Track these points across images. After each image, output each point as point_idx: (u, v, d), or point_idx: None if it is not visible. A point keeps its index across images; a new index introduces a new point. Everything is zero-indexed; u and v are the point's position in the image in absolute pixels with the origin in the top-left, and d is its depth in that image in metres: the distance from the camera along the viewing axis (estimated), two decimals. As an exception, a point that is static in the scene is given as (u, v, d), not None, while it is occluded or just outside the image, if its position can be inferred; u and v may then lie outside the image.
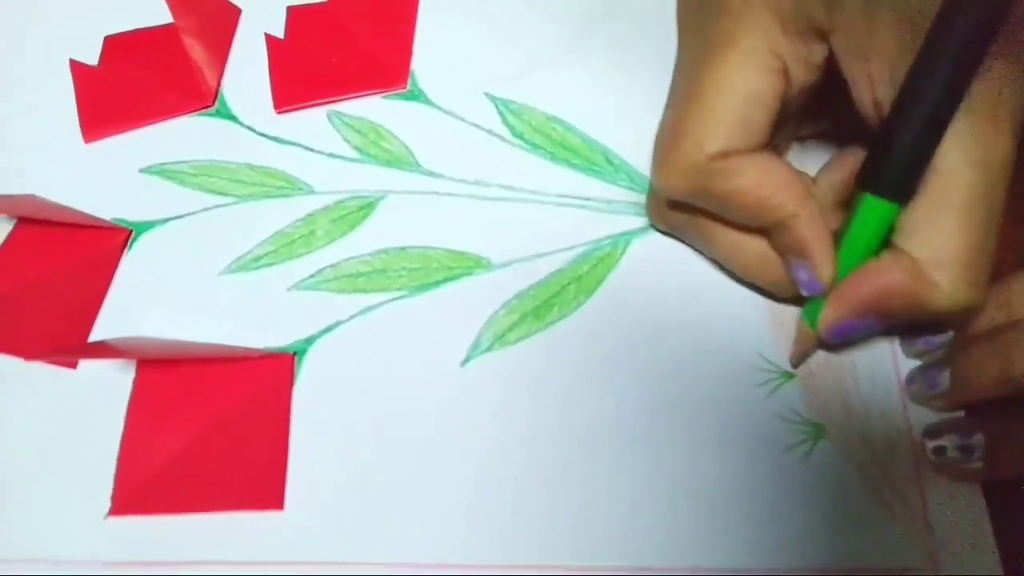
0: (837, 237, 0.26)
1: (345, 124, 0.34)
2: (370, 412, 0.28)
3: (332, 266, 0.31)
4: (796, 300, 0.28)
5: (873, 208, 0.24)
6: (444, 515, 0.26)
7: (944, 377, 0.25)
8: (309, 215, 0.32)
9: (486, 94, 0.35)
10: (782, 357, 0.28)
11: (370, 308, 0.30)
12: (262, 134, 0.35)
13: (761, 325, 0.28)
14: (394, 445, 0.27)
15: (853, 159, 0.27)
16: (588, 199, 0.32)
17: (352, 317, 0.30)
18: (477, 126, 0.34)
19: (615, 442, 0.27)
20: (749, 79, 0.24)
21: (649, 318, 0.29)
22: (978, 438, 0.24)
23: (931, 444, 0.25)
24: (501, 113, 0.34)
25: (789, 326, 0.28)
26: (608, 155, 0.32)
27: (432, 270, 0.31)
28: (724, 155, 0.25)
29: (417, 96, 0.35)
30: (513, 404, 0.28)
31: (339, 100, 0.35)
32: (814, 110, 0.28)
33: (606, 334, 0.29)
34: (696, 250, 0.30)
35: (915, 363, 0.27)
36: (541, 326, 0.29)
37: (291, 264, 0.31)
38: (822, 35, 0.24)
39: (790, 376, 0.27)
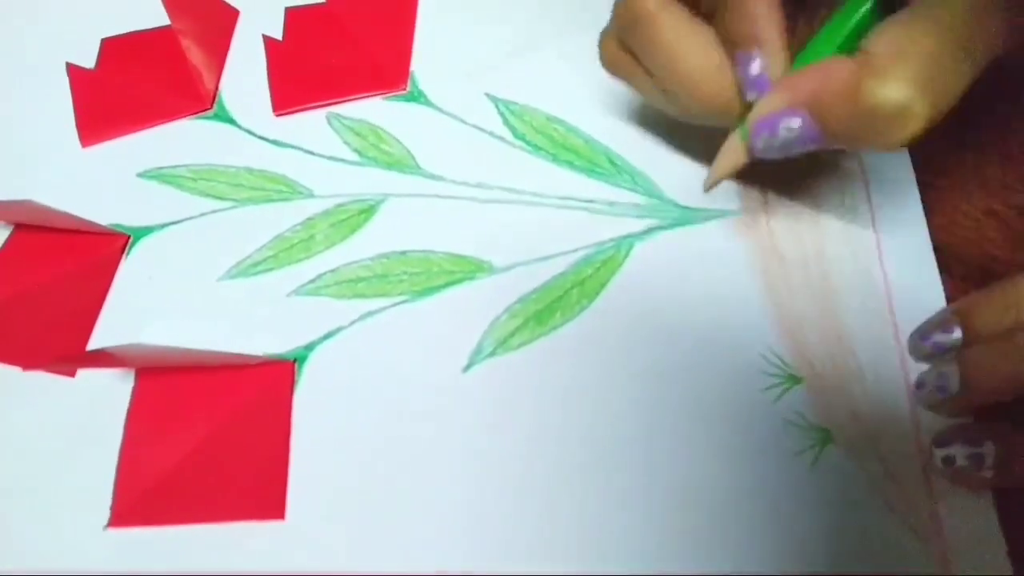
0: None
1: (345, 126, 0.34)
2: (371, 419, 0.28)
3: (332, 271, 0.31)
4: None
5: (853, 7, 0.23)
6: (447, 523, 0.26)
7: (954, 380, 0.25)
8: (309, 219, 0.32)
9: (487, 95, 0.34)
10: (790, 361, 0.27)
11: (371, 313, 0.30)
12: (261, 137, 0.34)
13: (767, 329, 0.28)
14: (396, 453, 0.27)
15: None
16: (591, 201, 0.31)
17: (353, 323, 0.30)
18: (478, 128, 0.33)
19: (620, 448, 0.27)
20: None
21: (653, 322, 0.29)
22: (988, 447, 0.24)
23: (940, 453, 0.25)
24: (502, 114, 0.34)
25: (796, 330, 0.28)
26: (610, 156, 0.32)
27: (433, 274, 0.30)
28: None
29: (417, 97, 0.35)
30: (516, 410, 0.27)
31: (338, 102, 0.35)
32: None
33: (610, 339, 0.28)
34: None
35: (923, 367, 0.27)
36: (544, 331, 0.29)
37: (291, 269, 0.31)
38: None
39: (797, 380, 0.27)
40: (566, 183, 0.32)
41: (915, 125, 0.21)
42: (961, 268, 0.28)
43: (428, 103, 0.34)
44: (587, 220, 0.31)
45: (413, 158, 0.33)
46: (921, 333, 0.26)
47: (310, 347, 0.29)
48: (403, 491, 0.27)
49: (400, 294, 0.30)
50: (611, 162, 0.32)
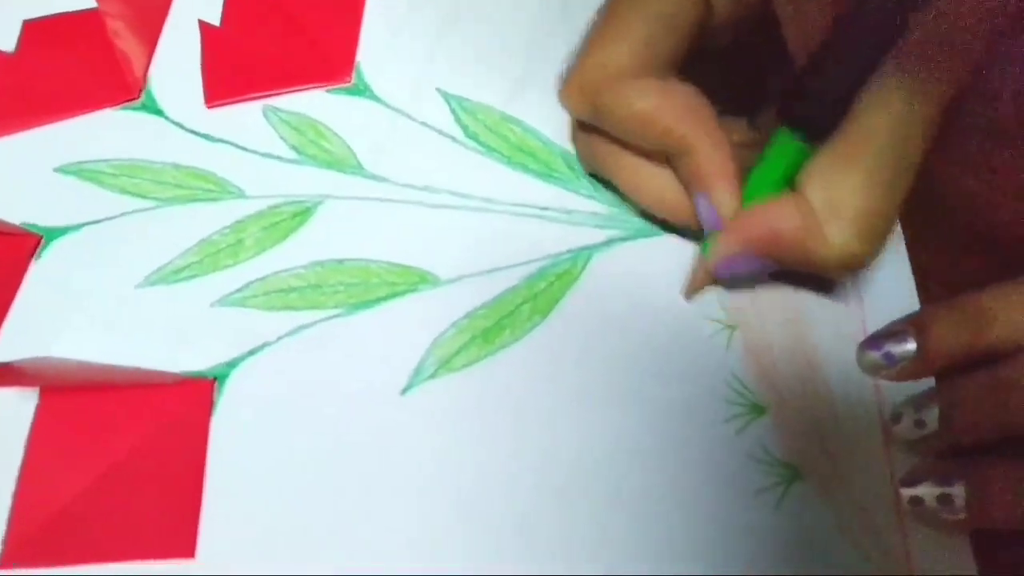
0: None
1: (282, 120, 0.31)
2: (298, 446, 0.25)
3: (261, 279, 0.28)
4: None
5: (785, 143, 0.23)
6: (379, 563, 0.23)
7: (933, 417, 0.23)
8: (238, 221, 0.29)
9: (438, 90, 0.31)
10: (754, 388, 0.25)
11: (302, 328, 0.27)
12: (191, 131, 0.32)
13: (731, 352, 0.26)
14: (324, 484, 0.25)
15: None
16: (546, 208, 0.29)
17: (281, 338, 0.27)
18: (427, 125, 0.31)
19: (571, 481, 0.24)
20: (663, 1, 0.24)
21: (609, 342, 0.26)
22: (958, 487, 0.22)
23: (907, 494, 0.23)
24: (454, 111, 0.31)
25: (763, 355, 0.25)
26: (569, 160, 0.30)
27: (372, 286, 0.28)
28: (625, 75, 0.24)
29: (362, 91, 0.32)
30: (459, 438, 0.25)
31: (276, 94, 0.32)
32: None
33: (562, 359, 0.26)
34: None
35: (899, 397, 0.25)
36: (491, 349, 0.26)
37: (216, 276, 0.28)
38: None
39: (761, 410, 0.25)
40: (520, 188, 0.29)
41: (860, 265, 0.23)
42: (942, 291, 0.26)
43: (374, 97, 0.32)
44: (542, 229, 0.28)
45: (355, 157, 0.30)
46: (871, 341, 0.24)
47: (233, 364, 0.27)
48: (331, 527, 0.24)
49: (335, 306, 0.27)
50: (569, 167, 0.29)
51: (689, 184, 0.25)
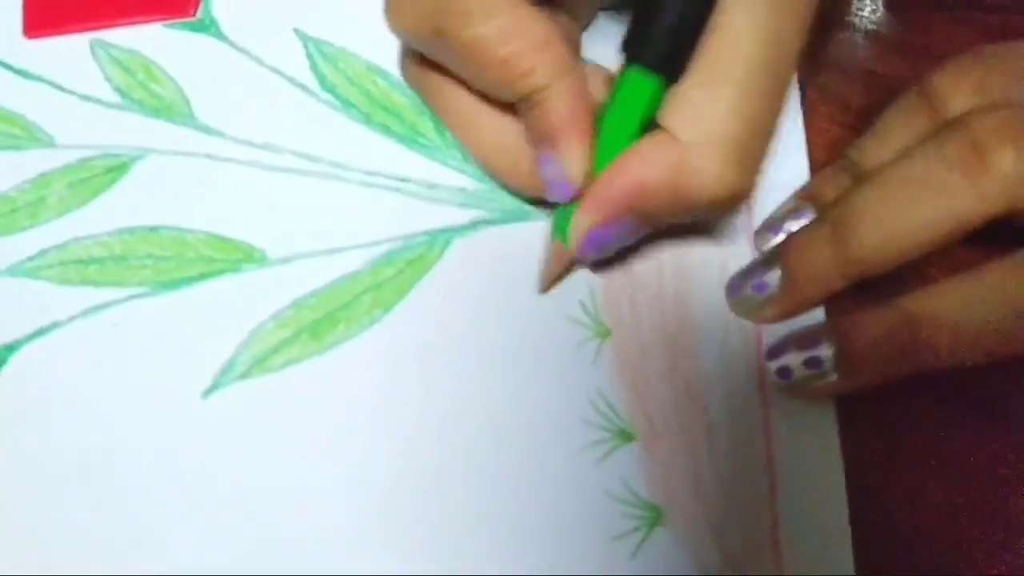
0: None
1: (111, 58, 0.26)
2: (77, 451, 0.21)
3: (59, 247, 0.24)
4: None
5: (636, 83, 0.20)
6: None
7: (773, 276, 0.21)
8: (42, 175, 0.25)
9: (296, 31, 0.26)
10: (622, 411, 0.21)
11: (98, 308, 0.23)
12: (2, 63, 0.27)
13: (600, 365, 0.21)
14: (106, 498, 0.21)
15: None
16: (405, 180, 0.24)
17: (73, 318, 0.23)
18: (277, 71, 0.26)
19: (399, 513, 0.20)
20: None
21: (461, 344, 0.22)
22: (824, 348, 0.20)
23: (775, 366, 0.21)
24: (311, 56, 0.26)
25: (636, 370, 0.21)
26: (440, 125, 0.25)
27: (186, 261, 0.23)
28: None
29: (207, 27, 0.27)
30: (268, 454, 0.21)
31: (107, 26, 0.27)
32: None
33: (403, 363, 0.22)
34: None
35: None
36: (319, 348, 0.22)
37: (7, 241, 0.24)
38: None
39: (628, 437, 0.21)
40: (377, 153, 0.24)
41: (739, 198, 0.20)
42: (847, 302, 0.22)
43: (220, 35, 0.27)
44: (397, 204, 0.24)
45: (188, 104, 0.25)
46: (770, 225, 0.22)
47: (12, 347, 0.22)
48: (107, 549, 0.20)
49: (139, 284, 0.23)
50: (440, 133, 0.25)
51: (536, 140, 0.21)
